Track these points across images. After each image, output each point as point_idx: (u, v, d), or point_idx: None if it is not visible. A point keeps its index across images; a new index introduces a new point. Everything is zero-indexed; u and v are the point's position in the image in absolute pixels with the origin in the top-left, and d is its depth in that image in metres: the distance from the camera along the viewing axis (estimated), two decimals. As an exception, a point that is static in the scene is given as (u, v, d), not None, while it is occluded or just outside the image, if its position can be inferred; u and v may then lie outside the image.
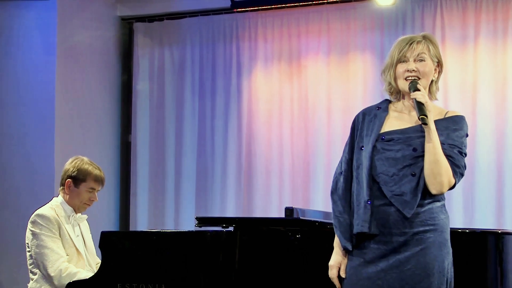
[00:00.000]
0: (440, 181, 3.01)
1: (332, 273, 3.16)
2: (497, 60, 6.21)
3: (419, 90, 3.06)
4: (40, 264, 4.16)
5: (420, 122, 3.03)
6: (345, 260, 3.14)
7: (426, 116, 3.01)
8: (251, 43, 6.92)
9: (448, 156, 3.03)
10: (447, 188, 3.04)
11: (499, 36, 6.22)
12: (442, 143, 3.03)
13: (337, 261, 3.16)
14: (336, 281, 3.16)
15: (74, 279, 4.06)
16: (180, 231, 4.12)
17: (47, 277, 4.14)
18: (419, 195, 3.02)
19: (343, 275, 3.13)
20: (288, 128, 6.74)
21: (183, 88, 7.09)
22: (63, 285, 4.10)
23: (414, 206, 3.01)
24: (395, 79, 3.15)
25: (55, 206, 4.29)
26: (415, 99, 3.05)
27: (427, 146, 3.02)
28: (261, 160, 6.76)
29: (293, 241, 3.85)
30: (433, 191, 3.02)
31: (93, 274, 4.04)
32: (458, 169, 3.06)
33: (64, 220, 4.25)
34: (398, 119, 3.15)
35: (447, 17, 6.36)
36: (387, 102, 3.25)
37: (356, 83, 6.55)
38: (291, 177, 6.67)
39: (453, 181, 3.05)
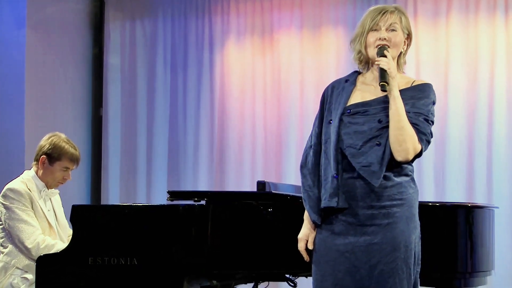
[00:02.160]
0: (405, 148, 3.01)
1: (300, 246, 3.18)
2: (469, 34, 6.23)
3: (385, 56, 3.06)
4: (15, 237, 4.13)
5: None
6: (313, 233, 3.16)
7: (387, 83, 3.01)
8: (224, 16, 6.88)
9: (413, 124, 3.02)
10: (413, 155, 3.03)
11: (471, 10, 6.23)
12: (407, 112, 3.02)
13: (305, 234, 3.18)
14: (304, 254, 3.18)
15: (52, 251, 4.05)
16: (152, 205, 4.12)
17: (24, 250, 4.12)
18: (385, 165, 3.01)
19: (310, 247, 3.15)
20: (260, 102, 6.73)
21: (154, 62, 7.05)
22: None
23: (381, 176, 3.01)
24: (366, 48, 3.14)
25: (26, 180, 4.25)
26: (379, 65, 3.05)
27: (391, 113, 3.01)
28: (234, 134, 6.76)
29: (265, 215, 3.86)
30: (399, 158, 3.02)
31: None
32: (424, 136, 3.05)
33: (35, 194, 4.22)
34: (364, 91, 3.15)
35: (419, -9, 6.38)
36: (356, 73, 3.24)
37: (328, 57, 6.55)
38: (263, 151, 6.68)
39: (418, 147, 3.04)
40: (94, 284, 3.88)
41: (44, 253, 4.03)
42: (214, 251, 3.87)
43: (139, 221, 3.91)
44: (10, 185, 4.22)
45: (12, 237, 4.15)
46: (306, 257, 3.18)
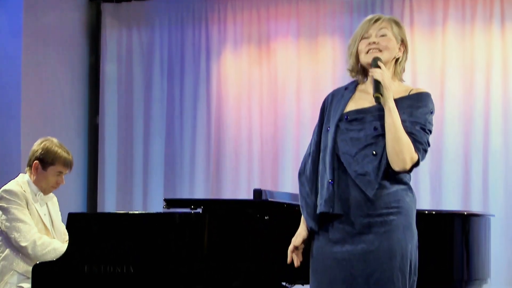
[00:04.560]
0: (402, 159, 3.01)
1: (289, 247, 3.19)
2: (465, 44, 6.25)
3: (379, 67, 3.06)
4: (11, 237, 4.12)
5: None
6: (303, 234, 3.15)
7: (381, 95, 3.01)
8: (220, 25, 6.89)
9: (409, 133, 3.03)
10: (410, 165, 3.04)
11: (467, 20, 6.25)
12: (404, 121, 3.03)
13: (297, 233, 3.18)
14: (288, 255, 3.17)
15: (48, 248, 4.05)
16: (148, 213, 4.12)
17: (20, 249, 4.12)
18: (381, 175, 3.02)
19: (296, 244, 3.15)
20: (257, 110, 6.74)
21: (151, 71, 7.06)
22: (37, 256, 4.08)
23: (376, 186, 3.02)
24: (357, 55, 3.15)
25: (21, 183, 4.26)
26: (373, 76, 3.05)
27: (387, 125, 3.02)
28: (230, 143, 6.76)
29: (261, 223, 3.86)
30: (396, 168, 3.02)
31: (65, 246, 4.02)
32: (420, 146, 3.05)
33: (30, 196, 4.22)
34: (362, 99, 3.15)
35: (415, 1, 6.39)
36: (356, 82, 3.25)
37: (325, 66, 6.56)
38: (260, 159, 6.68)
39: (415, 157, 3.04)
40: (90, 292, 3.88)
41: (40, 251, 4.03)
42: (210, 259, 3.87)
43: (135, 229, 3.91)
44: (5, 187, 4.23)
45: (9, 238, 4.14)
46: (289, 259, 3.17)
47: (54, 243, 4.10)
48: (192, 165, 6.84)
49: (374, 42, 3.11)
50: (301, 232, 3.18)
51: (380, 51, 3.11)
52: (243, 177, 6.69)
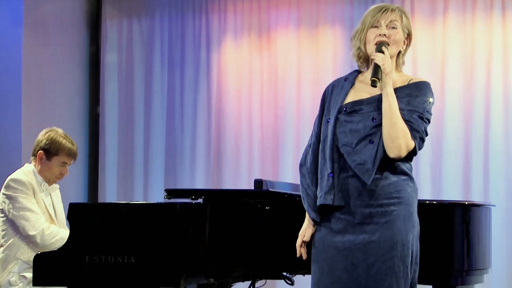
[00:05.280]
0: (397, 145, 3.01)
1: (298, 241, 3.21)
2: (465, 34, 6.23)
3: (382, 52, 3.06)
4: (19, 226, 4.13)
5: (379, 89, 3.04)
6: (311, 228, 3.17)
7: (378, 79, 3.01)
8: (221, 15, 6.88)
9: (407, 121, 3.02)
10: (406, 152, 3.03)
11: (468, 9, 6.24)
12: (402, 109, 3.02)
13: (303, 229, 3.20)
14: (298, 249, 3.20)
15: (57, 237, 4.06)
16: (149, 203, 4.11)
17: (28, 238, 4.12)
18: (378, 162, 3.02)
19: (305, 239, 3.17)
20: (257, 101, 6.73)
21: (152, 60, 7.05)
22: (46, 245, 4.09)
23: (373, 173, 3.02)
24: (365, 44, 3.14)
25: (27, 172, 4.27)
26: (374, 60, 3.05)
27: (384, 110, 3.02)
28: (231, 133, 6.76)
29: (262, 213, 3.86)
30: (391, 154, 3.02)
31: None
32: (417, 134, 3.05)
33: (36, 186, 4.23)
34: (361, 90, 3.15)
35: (416, -10, 6.38)
36: (356, 72, 3.25)
37: (325, 56, 6.55)
38: (260, 149, 6.68)
39: (411, 144, 3.04)
40: (91, 282, 3.88)
41: (49, 240, 4.03)
42: (211, 249, 3.87)
43: (136, 219, 3.90)
44: (12, 175, 4.24)
45: (17, 227, 4.15)
46: (299, 253, 3.19)
47: (62, 232, 4.11)
48: (193, 155, 6.84)
49: (384, 34, 3.10)
50: (309, 226, 3.18)
51: (389, 44, 3.10)
52: (244, 167, 6.69)
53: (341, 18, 6.54)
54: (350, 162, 3.05)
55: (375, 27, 3.12)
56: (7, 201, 4.17)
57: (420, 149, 3.08)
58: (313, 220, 3.15)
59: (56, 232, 4.12)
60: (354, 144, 3.05)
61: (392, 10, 3.14)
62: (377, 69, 3.03)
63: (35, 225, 4.12)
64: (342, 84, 3.21)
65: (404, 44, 3.17)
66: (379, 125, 3.04)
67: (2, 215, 4.21)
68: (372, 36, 3.11)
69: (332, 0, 6.57)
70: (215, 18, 6.89)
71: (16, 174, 4.24)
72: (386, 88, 3.02)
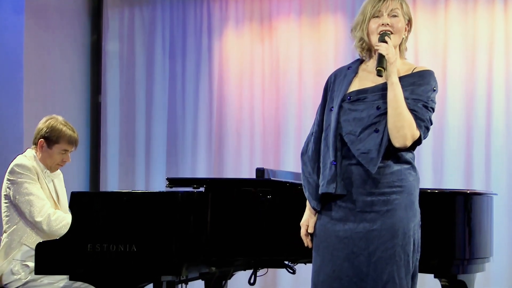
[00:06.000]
0: (403, 134, 3.02)
1: (302, 232, 3.21)
2: (467, 22, 6.22)
3: (386, 42, 3.05)
4: (25, 211, 4.13)
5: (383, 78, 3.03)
6: (313, 218, 3.17)
7: (384, 69, 3.01)
8: (222, 3, 6.87)
9: (411, 110, 3.02)
10: (411, 141, 3.04)
11: (470, -2, 6.23)
12: (406, 98, 3.02)
13: (305, 220, 3.20)
14: (305, 239, 3.20)
15: (63, 223, 4.07)
16: (151, 192, 4.11)
17: (34, 224, 4.13)
18: (382, 151, 3.02)
19: (310, 230, 3.17)
20: (259, 89, 6.72)
21: (153, 49, 7.04)
22: (52, 230, 4.10)
23: (378, 162, 3.02)
24: (368, 35, 3.14)
25: (29, 157, 4.27)
26: (377, 50, 3.04)
27: (389, 99, 3.02)
28: (232, 121, 6.75)
29: (264, 202, 3.86)
30: (397, 144, 3.02)
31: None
32: (422, 123, 3.05)
33: (40, 172, 4.24)
34: (365, 79, 3.15)
35: (418, -22, 6.36)
36: (359, 61, 3.24)
37: (327, 44, 6.54)
38: (262, 138, 6.68)
39: (417, 134, 3.05)
40: (93, 270, 3.88)
41: (55, 226, 4.05)
42: (213, 238, 3.88)
43: (138, 208, 3.91)
44: (16, 161, 4.23)
45: (22, 212, 4.15)
46: (306, 243, 3.20)
47: (68, 217, 4.11)
48: (194, 144, 6.84)
49: (387, 24, 3.09)
50: (311, 216, 3.18)
51: (392, 33, 3.10)
52: (245, 156, 6.69)
53: (343, 7, 6.52)
54: (354, 151, 3.05)
55: (377, 17, 3.12)
56: (11, 187, 4.17)
57: (425, 138, 3.09)
58: (313, 208, 3.15)
59: (62, 218, 4.12)
60: (358, 132, 3.05)
61: None
62: (381, 58, 3.02)
63: (41, 210, 4.12)
64: (345, 72, 3.20)
65: (405, 30, 3.17)
66: (384, 114, 3.04)
67: (6, 200, 4.21)
68: (375, 26, 3.11)
69: (333, -12, 6.56)
70: (217, 6, 6.88)
71: (21, 159, 4.24)
72: (391, 77, 3.02)
